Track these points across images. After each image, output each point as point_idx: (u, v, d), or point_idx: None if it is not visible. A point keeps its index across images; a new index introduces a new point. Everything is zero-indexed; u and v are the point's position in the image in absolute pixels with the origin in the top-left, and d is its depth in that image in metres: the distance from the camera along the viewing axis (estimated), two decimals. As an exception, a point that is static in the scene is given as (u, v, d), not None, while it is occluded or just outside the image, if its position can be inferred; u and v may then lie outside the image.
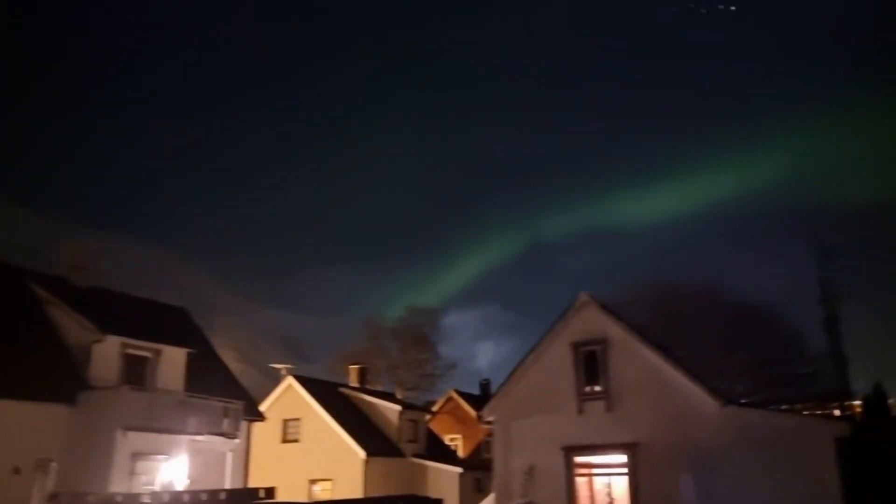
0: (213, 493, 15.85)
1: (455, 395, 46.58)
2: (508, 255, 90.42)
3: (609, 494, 19.74)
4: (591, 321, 20.85)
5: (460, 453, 43.37)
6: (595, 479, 20.07)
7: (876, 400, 25.41)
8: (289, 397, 33.82)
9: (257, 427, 27.43)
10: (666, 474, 18.60)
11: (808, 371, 34.98)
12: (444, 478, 33.93)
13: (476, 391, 48.98)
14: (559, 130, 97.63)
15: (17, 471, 18.62)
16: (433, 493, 32.35)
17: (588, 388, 20.46)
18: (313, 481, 32.09)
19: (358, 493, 30.50)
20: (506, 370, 22.59)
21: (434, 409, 45.76)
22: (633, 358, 19.98)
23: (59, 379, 20.91)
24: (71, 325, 22.34)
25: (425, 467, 34.30)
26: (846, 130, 75.91)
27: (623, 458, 19.54)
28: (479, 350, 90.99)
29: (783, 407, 30.38)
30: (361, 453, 31.46)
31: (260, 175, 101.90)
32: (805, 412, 27.66)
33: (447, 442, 43.08)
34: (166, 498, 15.08)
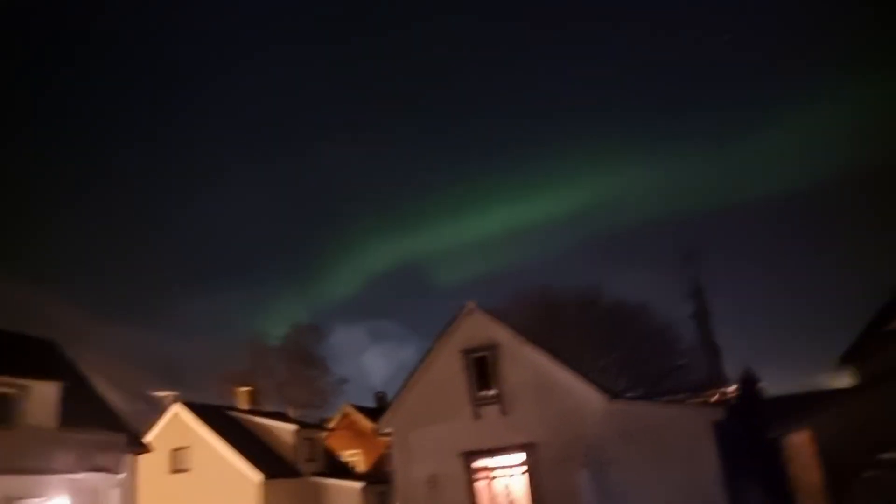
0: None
1: (351, 410, 45.95)
2: (386, 272, 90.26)
3: (509, 495, 20.10)
4: (478, 328, 21.25)
5: (361, 468, 42.82)
6: (495, 481, 20.37)
7: (747, 384, 27.28)
8: (176, 425, 32.22)
9: (144, 459, 25.93)
10: (563, 471, 19.22)
11: (683, 363, 37.17)
12: (345, 494, 33.37)
13: (372, 404, 48.55)
14: (420, 143, 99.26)
15: None
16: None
17: (482, 393, 20.81)
18: (207, 511, 30.71)
19: (254, 519, 29.53)
20: (400, 382, 22.59)
21: (330, 425, 44.90)
22: (522, 361, 20.53)
23: None
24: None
25: (325, 485, 33.62)
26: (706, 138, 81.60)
27: (521, 458, 19.99)
28: (370, 364, 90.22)
29: (665, 399, 32.09)
30: (257, 477, 30.39)
31: (117, 202, 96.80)
32: (685, 401, 29.29)
33: (346, 458, 42.42)
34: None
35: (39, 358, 25.24)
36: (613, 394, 20.36)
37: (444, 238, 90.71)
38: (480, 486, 20.29)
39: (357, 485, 34.13)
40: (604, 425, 19.35)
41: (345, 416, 45.90)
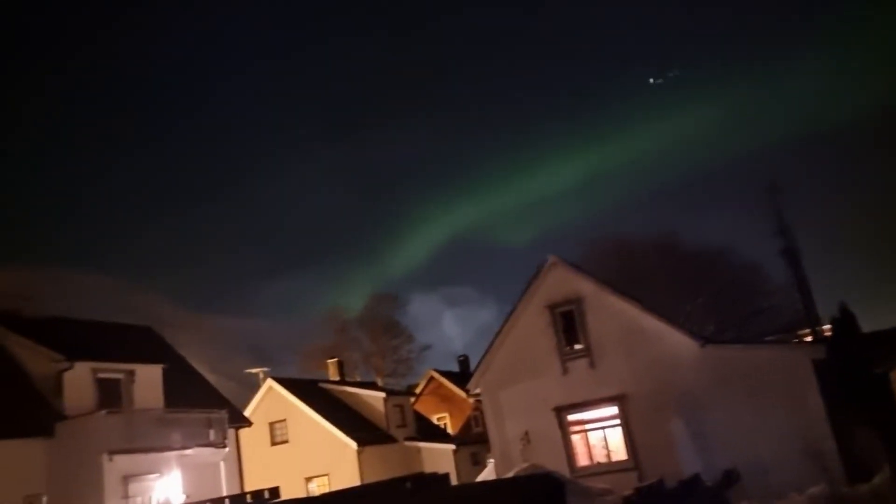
0: (216, 502, 15.63)
1: (436, 375, 46.65)
2: (454, 240, 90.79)
3: (605, 447, 20.00)
4: (562, 282, 21.01)
5: (450, 430, 43.58)
6: (589, 433, 20.29)
7: (844, 320, 26.09)
8: (271, 400, 33.46)
9: (245, 434, 27.08)
10: (657, 420, 18.97)
11: (773, 303, 35.82)
12: (438, 457, 34.05)
13: (455, 368, 49.15)
14: (476, 114, 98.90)
15: (3, 511, 18.16)
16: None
17: (569, 348, 20.66)
18: (309, 479, 31.90)
19: (355, 484, 30.45)
20: (481, 344, 22.70)
21: (417, 391, 45.79)
22: (609, 312, 20.22)
23: (32, 413, 20.33)
24: (34, 357, 21.64)
25: (419, 449, 34.37)
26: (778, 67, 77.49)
27: (613, 410, 19.83)
28: (449, 329, 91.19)
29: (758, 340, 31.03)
30: (353, 444, 31.35)
31: (189, 194, 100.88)
32: (780, 342, 28.29)
33: (435, 421, 43.24)
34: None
35: (140, 344, 26.56)
36: (705, 339, 19.77)
37: (509, 200, 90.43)
38: (576, 439, 20.26)
39: (449, 447, 34.79)
40: (697, 372, 18.92)
41: (430, 380, 46.66)
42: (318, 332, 52.26)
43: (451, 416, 44.86)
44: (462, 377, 47.54)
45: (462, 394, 44.58)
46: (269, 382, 33.74)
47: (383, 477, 31.15)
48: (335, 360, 38.69)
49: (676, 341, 19.31)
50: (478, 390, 21.95)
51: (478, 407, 44.30)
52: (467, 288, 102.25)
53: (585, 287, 20.63)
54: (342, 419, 33.02)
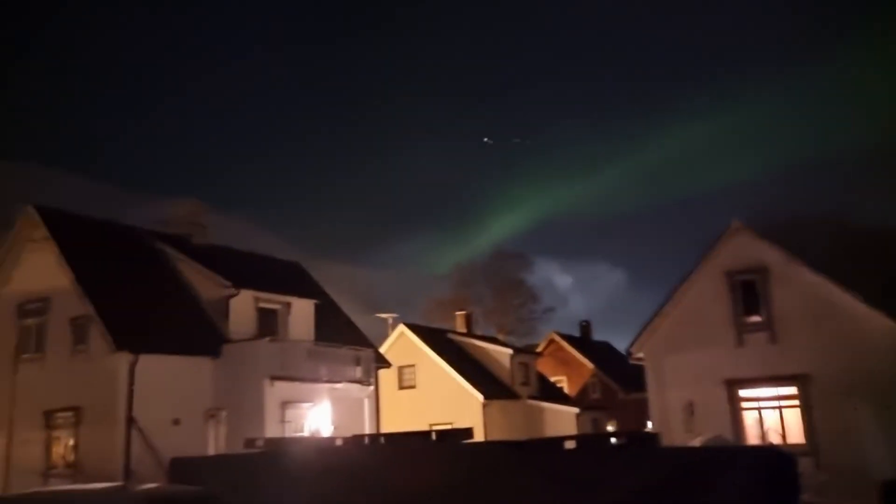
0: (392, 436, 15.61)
1: (557, 338, 45.96)
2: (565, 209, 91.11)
3: (779, 428, 18.72)
4: (745, 249, 19.62)
5: (567, 393, 43.02)
6: (763, 412, 19.05)
7: None
8: (402, 345, 33.73)
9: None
10: (841, 406, 17.50)
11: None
12: (560, 419, 33.56)
13: (576, 333, 48.29)
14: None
15: (176, 422, 19.04)
16: (552, 434, 32.07)
17: (747, 319, 19.33)
18: (433, 426, 32.09)
19: (479, 436, 30.38)
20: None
21: (537, 351, 45.36)
22: (797, 285, 18.72)
23: (202, 333, 21.13)
24: (204, 282, 22.40)
25: (542, 409, 33.99)
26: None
27: (792, 391, 18.50)
28: (568, 294, 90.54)
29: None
30: (479, 397, 31.25)
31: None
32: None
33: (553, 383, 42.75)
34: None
35: (293, 278, 27.14)
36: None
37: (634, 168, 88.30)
38: (747, 416, 19.08)
39: (573, 410, 34.22)
40: (894, 356, 17.24)
41: (550, 342, 46.04)
42: (439, 286, 52.58)
43: (568, 379, 44.24)
44: (583, 342, 46.75)
45: (581, 358, 43.95)
46: (401, 328, 34.03)
47: (504, 431, 31.04)
48: (463, 312, 38.61)
49: (873, 323, 17.64)
50: (640, 354, 20.99)
51: (596, 374, 43.52)
52: (598, 257, 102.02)
53: (772, 256, 19.14)
54: (469, 371, 32.97)
